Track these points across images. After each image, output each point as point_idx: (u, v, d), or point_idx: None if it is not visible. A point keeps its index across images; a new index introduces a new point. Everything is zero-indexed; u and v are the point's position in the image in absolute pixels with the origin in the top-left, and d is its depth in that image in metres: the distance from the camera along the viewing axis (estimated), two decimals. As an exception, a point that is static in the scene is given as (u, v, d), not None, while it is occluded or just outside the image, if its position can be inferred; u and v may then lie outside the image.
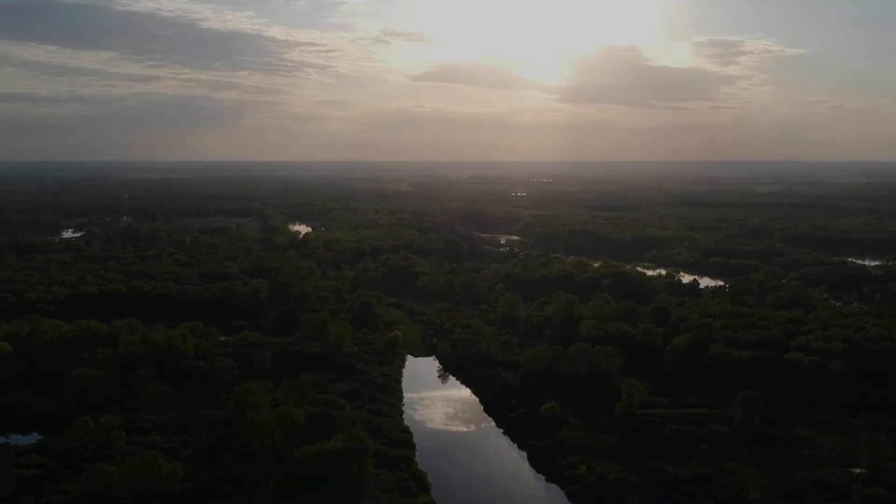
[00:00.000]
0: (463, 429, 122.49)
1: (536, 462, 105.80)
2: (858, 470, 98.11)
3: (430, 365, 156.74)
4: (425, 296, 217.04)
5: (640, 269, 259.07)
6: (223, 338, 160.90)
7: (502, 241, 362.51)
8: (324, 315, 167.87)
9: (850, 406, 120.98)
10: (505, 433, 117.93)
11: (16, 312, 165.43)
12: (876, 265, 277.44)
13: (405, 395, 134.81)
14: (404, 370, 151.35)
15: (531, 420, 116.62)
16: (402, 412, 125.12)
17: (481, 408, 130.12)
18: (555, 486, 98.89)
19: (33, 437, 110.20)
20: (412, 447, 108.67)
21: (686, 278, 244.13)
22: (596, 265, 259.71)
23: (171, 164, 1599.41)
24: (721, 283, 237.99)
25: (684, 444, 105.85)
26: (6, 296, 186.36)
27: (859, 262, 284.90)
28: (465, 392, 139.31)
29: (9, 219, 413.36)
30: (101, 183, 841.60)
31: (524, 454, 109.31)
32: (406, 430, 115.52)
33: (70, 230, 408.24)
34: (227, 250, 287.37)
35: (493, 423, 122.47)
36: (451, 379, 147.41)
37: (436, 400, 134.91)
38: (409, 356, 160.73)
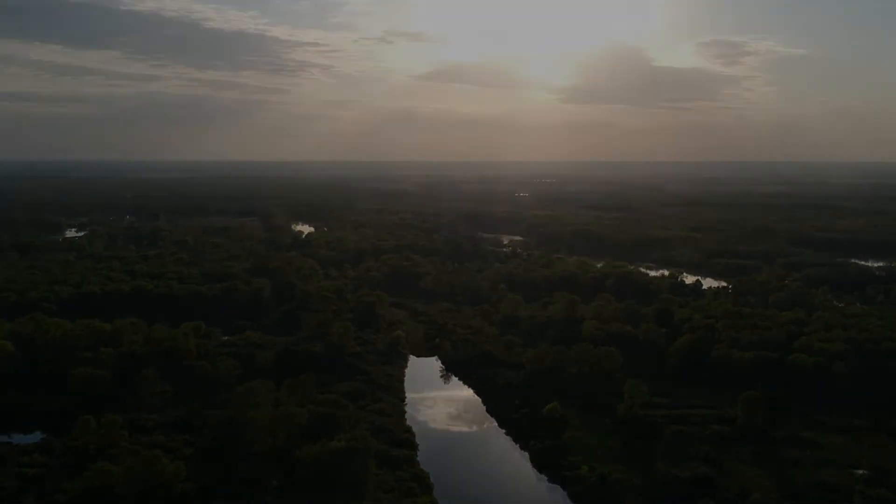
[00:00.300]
0: (465, 429, 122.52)
1: (539, 462, 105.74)
2: (861, 471, 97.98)
3: (433, 365, 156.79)
4: (428, 296, 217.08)
5: (642, 269, 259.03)
6: (226, 337, 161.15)
7: (505, 242, 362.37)
8: (326, 315, 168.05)
9: (852, 407, 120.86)
10: (507, 433, 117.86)
11: (19, 311, 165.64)
12: (879, 266, 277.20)
13: (407, 395, 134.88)
14: (407, 370, 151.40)
15: (533, 420, 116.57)
16: (404, 412, 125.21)
17: (483, 408, 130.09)
18: (557, 487, 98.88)
19: (36, 436, 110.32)
20: (414, 447, 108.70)
21: (689, 279, 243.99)
22: (598, 266, 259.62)
23: (173, 163, 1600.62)
24: (724, 283, 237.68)
25: (686, 445, 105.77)
26: (9, 295, 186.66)
27: (862, 262, 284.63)
28: (468, 392, 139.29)
29: (12, 217, 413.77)
30: (104, 182, 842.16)
31: (526, 455, 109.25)
32: (408, 430, 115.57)
33: (73, 229, 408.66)
34: (229, 250, 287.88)
35: (496, 424, 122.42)
36: (454, 379, 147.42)
37: (438, 400, 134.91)
38: (411, 356, 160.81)
